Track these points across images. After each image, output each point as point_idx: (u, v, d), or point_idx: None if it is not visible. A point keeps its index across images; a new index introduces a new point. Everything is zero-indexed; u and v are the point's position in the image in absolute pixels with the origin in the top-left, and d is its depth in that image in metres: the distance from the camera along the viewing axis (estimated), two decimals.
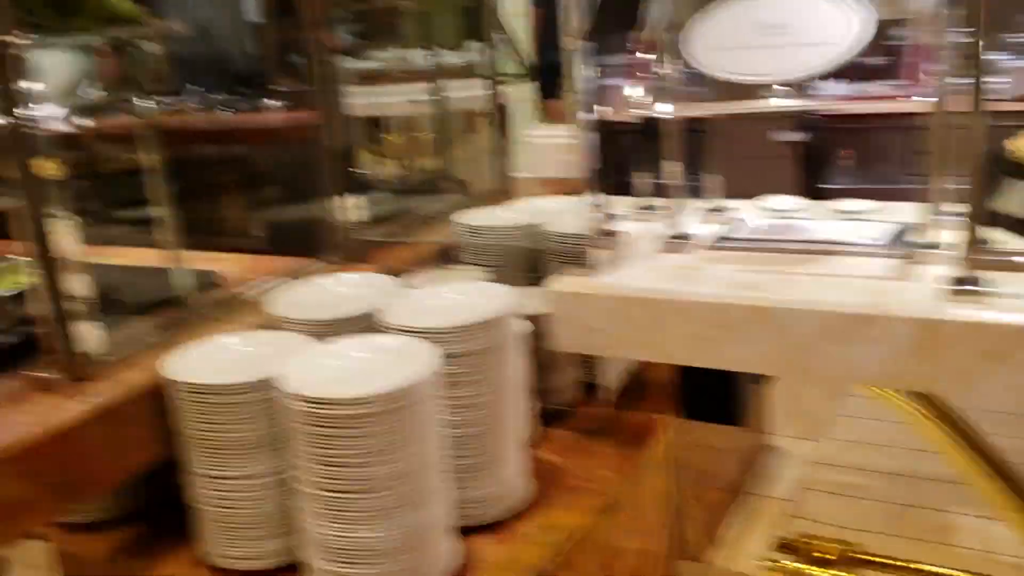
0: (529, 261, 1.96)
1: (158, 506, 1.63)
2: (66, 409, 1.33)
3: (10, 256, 1.91)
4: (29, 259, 1.37)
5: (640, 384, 1.91)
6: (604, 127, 1.63)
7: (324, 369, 1.33)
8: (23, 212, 1.33)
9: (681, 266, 1.69)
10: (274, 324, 1.56)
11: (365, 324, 1.52)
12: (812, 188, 3.24)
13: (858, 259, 1.60)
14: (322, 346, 1.40)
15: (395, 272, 1.86)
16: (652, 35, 1.60)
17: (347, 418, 1.22)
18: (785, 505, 2.46)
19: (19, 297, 1.71)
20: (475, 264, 1.98)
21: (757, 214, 1.90)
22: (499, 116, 2.52)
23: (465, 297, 1.56)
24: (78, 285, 1.39)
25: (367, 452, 1.23)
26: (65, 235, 1.37)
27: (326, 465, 1.25)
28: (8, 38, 1.26)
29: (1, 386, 1.44)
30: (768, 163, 3.21)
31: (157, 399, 1.43)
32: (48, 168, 1.34)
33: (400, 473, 1.26)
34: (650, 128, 1.99)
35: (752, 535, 2.30)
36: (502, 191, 2.50)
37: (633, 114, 1.59)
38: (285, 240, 2.17)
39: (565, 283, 1.65)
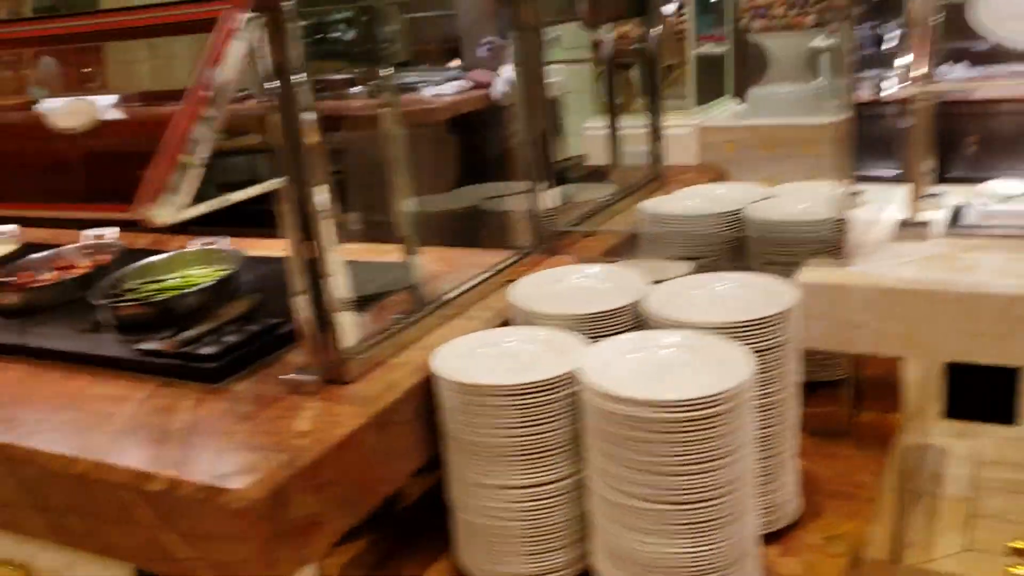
0: (733, 250, 1.84)
1: (394, 513, 1.51)
2: (341, 415, 1.21)
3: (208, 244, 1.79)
4: (292, 247, 1.24)
5: (859, 381, 1.80)
6: None
7: (631, 367, 1.21)
8: (291, 192, 1.21)
9: (936, 255, 1.57)
10: (523, 318, 1.44)
11: (628, 318, 1.40)
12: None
13: None
14: (612, 342, 1.28)
15: (592, 263, 1.74)
16: (921, 11, 1.48)
17: (680, 421, 1.10)
18: (963, 505, 2.36)
19: (219, 289, 1.59)
20: (673, 254, 1.86)
21: (983, 199, 1.78)
22: (652, 99, 2.40)
23: (736, 289, 1.44)
24: (340, 276, 1.27)
25: (699, 458, 1.12)
26: (327, 220, 1.24)
27: (646, 473, 1.13)
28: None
29: (251, 390, 1.31)
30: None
31: (418, 400, 1.31)
32: (315, 145, 1.21)
33: (724, 482, 1.14)
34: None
35: (942, 536, 2.20)
36: (655, 178, 2.38)
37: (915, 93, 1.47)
38: (464, 230, 2.03)
39: (819, 274, 1.53)
